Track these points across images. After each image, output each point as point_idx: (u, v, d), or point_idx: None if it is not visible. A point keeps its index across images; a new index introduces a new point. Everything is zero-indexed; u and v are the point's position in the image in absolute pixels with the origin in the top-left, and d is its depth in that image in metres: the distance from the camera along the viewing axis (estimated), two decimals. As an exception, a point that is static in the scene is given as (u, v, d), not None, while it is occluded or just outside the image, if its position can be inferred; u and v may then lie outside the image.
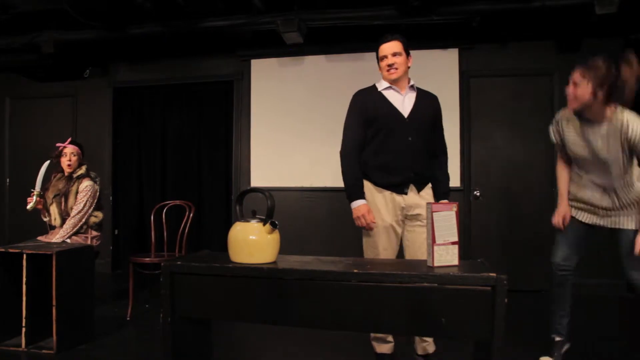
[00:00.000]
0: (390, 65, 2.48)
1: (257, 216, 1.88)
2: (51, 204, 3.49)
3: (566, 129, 2.49)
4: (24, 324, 2.84)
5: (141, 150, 5.47)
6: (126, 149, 5.51)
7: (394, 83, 2.51)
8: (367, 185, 2.53)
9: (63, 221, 3.47)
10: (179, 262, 1.87)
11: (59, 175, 3.58)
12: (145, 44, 4.88)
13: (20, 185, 3.56)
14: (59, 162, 3.54)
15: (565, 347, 2.72)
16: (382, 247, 2.52)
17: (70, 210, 3.46)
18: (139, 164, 5.48)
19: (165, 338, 1.86)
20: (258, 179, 5.01)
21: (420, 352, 2.55)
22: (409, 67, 2.54)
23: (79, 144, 3.63)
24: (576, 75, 2.31)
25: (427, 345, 2.54)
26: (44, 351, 2.81)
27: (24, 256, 2.83)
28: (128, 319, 3.56)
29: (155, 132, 5.42)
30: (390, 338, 2.59)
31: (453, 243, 1.78)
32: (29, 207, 3.42)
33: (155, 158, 5.41)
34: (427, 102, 2.55)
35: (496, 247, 4.59)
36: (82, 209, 3.44)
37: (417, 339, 2.55)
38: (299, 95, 4.93)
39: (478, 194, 4.60)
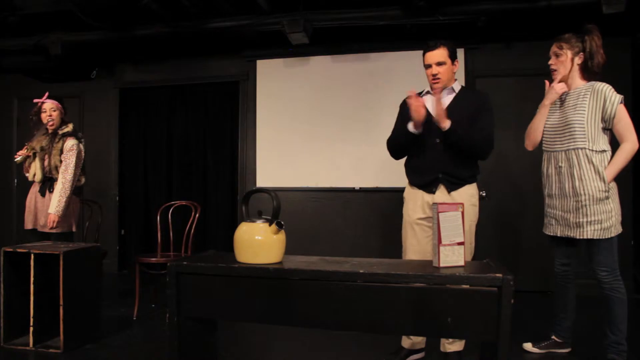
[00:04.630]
0: (434, 76, 2.50)
1: (263, 216, 1.88)
2: (34, 158, 3.42)
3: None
4: (31, 323, 2.87)
5: (147, 151, 5.49)
6: (132, 149, 5.53)
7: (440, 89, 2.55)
8: (407, 185, 2.67)
9: (44, 177, 3.39)
10: (184, 262, 1.87)
11: (43, 130, 3.48)
12: (151, 45, 4.90)
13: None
14: (40, 120, 3.45)
15: (562, 350, 2.80)
16: (409, 243, 2.59)
17: (54, 169, 3.38)
18: (145, 164, 5.50)
19: (171, 338, 1.87)
20: (264, 179, 5.01)
21: (441, 349, 2.57)
22: (454, 72, 2.55)
23: (59, 99, 3.50)
24: (555, 49, 2.64)
25: (450, 344, 2.54)
26: (51, 350, 2.83)
27: (32, 256, 2.85)
28: (134, 318, 3.58)
29: (161, 132, 5.44)
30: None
31: (459, 243, 1.77)
32: (17, 160, 3.42)
33: (161, 158, 5.43)
34: (464, 103, 2.51)
35: (502, 247, 4.57)
36: (70, 171, 3.35)
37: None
38: (304, 95, 4.93)
39: (484, 194, 4.57)
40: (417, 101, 2.40)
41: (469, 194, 2.52)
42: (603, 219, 2.49)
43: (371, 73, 4.77)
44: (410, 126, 2.48)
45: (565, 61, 2.60)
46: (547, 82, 2.72)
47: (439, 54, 2.49)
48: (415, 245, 2.58)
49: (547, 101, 2.69)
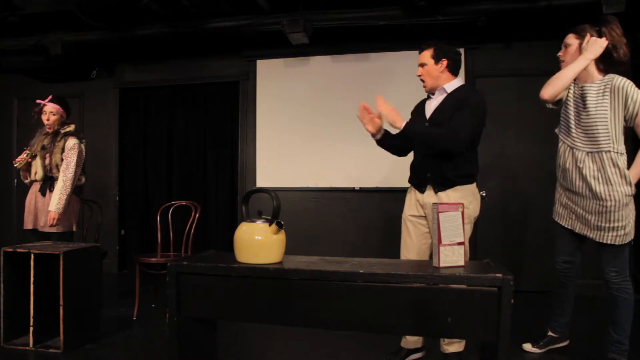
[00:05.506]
0: (419, 77, 2.60)
1: (263, 216, 1.88)
2: (35, 157, 3.44)
3: (567, 95, 2.57)
4: (31, 323, 2.87)
5: (147, 151, 5.49)
6: (132, 149, 5.53)
7: (429, 90, 2.62)
8: None
9: (45, 176, 3.41)
10: (184, 262, 1.87)
11: (45, 130, 3.52)
12: (151, 45, 4.90)
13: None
14: (40, 120, 3.49)
15: (560, 344, 2.80)
16: (402, 239, 2.66)
17: (55, 167, 3.40)
18: (145, 164, 5.50)
19: (171, 338, 1.87)
20: (264, 179, 5.01)
21: (441, 350, 2.58)
22: (442, 71, 2.54)
23: (62, 102, 3.53)
24: (567, 37, 2.53)
25: (447, 345, 2.54)
26: (51, 350, 2.83)
27: (32, 256, 2.85)
28: (134, 318, 3.58)
29: (161, 132, 5.44)
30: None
31: (459, 243, 1.77)
32: (17, 165, 3.43)
33: (161, 158, 5.43)
34: (452, 103, 2.49)
35: (502, 247, 4.56)
36: (71, 169, 3.37)
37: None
38: (304, 95, 4.93)
39: (484, 194, 4.57)
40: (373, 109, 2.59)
41: (457, 196, 2.46)
42: (625, 225, 2.41)
43: (371, 73, 4.77)
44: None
45: (574, 52, 2.49)
46: (588, 35, 2.45)
47: (422, 55, 2.57)
48: (407, 241, 2.64)
49: (590, 55, 2.40)
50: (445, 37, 4.50)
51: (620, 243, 2.43)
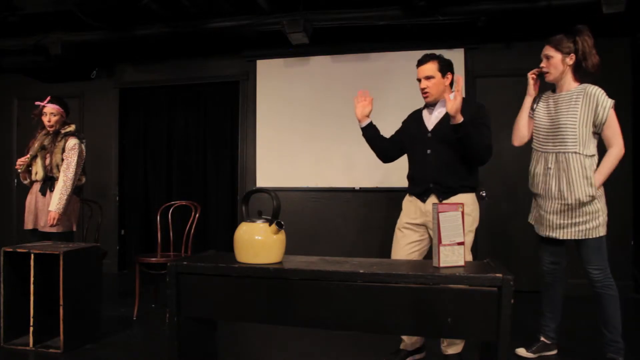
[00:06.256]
0: (422, 90, 2.56)
1: (263, 216, 1.88)
2: (35, 157, 3.45)
3: (539, 105, 2.73)
4: (31, 323, 2.87)
5: (147, 151, 5.50)
6: (132, 149, 5.54)
7: (431, 102, 2.59)
8: (407, 194, 2.70)
9: (45, 176, 3.42)
10: (184, 262, 1.87)
11: (44, 130, 3.53)
12: (151, 45, 4.90)
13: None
14: (41, 121, 3.51)
15: (551, 351, 2.78)
16: (396, 243, 2.64)
17: (56, 167, 3.41)
18: (145, 164, 5.50)
19: (171, 338, 1.87)
20: (263, 179, 5.01)
21: (442, 352, 2.57)
22: (447, 85, 2.53)
23: (61, 102, 3.54)
24: (547, 50, 2.62)
25: (446, 347, 2.54)
26: (51, 350, 2.83)
27: (32, 256, 2.85)
28: (134, 318, 3.58)
29: (161, 132, 5.44)
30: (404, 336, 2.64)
31: (459, 244, 1.77)
32: (19, 169, 3.44)
33: (161, 158, 5.44)
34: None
35: (502, 247, 4.56)
36: (71, 169, 3.39)
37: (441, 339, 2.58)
38: (304, 95, 4.93)
39: (484, 194, 4.58)
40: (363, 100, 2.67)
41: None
42: (588, 220, 2.50)
43: (371, 73, 4.77)
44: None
45: (557, 63, 2.58)
46: (529, 76, 2.72)
47: (428, 68, 2.52)
48: (396, 249, 2.63)
49: (528, 95, 2.75)
50: (445, 37, 4.54)
51: (584, 237, 2.51)
